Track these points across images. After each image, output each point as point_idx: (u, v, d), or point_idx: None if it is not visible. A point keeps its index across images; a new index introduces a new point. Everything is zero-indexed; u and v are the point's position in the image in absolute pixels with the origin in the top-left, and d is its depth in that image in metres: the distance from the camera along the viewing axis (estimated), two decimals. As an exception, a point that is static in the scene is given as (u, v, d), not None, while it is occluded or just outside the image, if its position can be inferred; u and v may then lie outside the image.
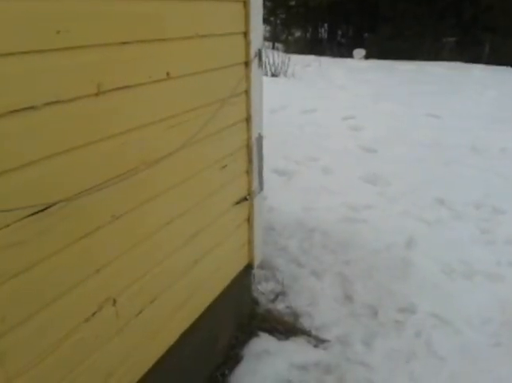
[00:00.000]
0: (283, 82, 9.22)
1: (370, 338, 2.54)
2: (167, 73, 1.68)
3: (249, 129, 2.38)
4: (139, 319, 1.71)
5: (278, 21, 19.40)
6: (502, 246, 3.36)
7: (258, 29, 2.32)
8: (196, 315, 2.10)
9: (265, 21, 19.20)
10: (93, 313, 1.48)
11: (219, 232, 2.24)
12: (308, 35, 18.80)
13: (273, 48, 15.23)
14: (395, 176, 4.51)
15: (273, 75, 9.74)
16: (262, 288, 2.88)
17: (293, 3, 18.39)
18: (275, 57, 9.87)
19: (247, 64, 2.26)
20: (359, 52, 13.84)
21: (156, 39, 1.62)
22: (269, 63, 9.76)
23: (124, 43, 1.46)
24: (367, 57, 13.53)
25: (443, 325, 2.64)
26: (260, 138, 2.50)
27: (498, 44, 12.50)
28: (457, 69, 11.09)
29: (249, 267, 2.60)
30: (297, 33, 19.10)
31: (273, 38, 18.13)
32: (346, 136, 5.84)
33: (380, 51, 13.50)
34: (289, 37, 18.78)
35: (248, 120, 2.36)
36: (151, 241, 1.72)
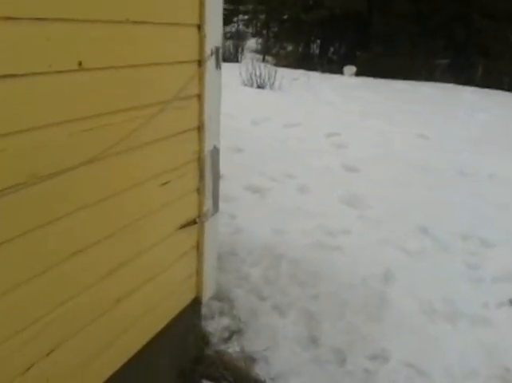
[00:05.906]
0: (268, 94, 8.89)
1: (334, 392, 2.16)
2: (79, 63, 1.32)
3: (201, 140, 2.02)
4: (25, 377, 1.32)
5: (270, 35, 19.20)
6: (490, 284, 3.00)
7: (217, 22, 1.97)
8: (118, 365, 1.71)
9: (258, 33, 19.10)
10: None
11: (157, 262, 1.86)
12: (300, 49, 18.59)
13: (264, 60, 14.97)
14: (377, 199, 4.16)
15: (258, 87, 9.44)
16: (215, 324, 2.48)
17: (285, 17, 18.22)
18: (261, 68, 9.58)
19: (201, 63, 1.91)
20: (349, 69, 13.60)
21: (67, 19, 1.27)
22: (255, 74, 9.48)
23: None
24: (357, 74, 13.29)
25: (419, 377, 2.28)
26: (215, 151, 2.14)
27: (490, 67, 12.34)
28: (448, 90, 10.86)
29: (197, 302, 2.21)
30: (289, 48, 18.89)
31: (264, 51, 17.90)
32: (329, 153, 5.49)
33: (371, 69, 13.26)
34: (281, 51, 18.54)
35: (200, 129, 2.00)
36: (49, 276, 1.34)
